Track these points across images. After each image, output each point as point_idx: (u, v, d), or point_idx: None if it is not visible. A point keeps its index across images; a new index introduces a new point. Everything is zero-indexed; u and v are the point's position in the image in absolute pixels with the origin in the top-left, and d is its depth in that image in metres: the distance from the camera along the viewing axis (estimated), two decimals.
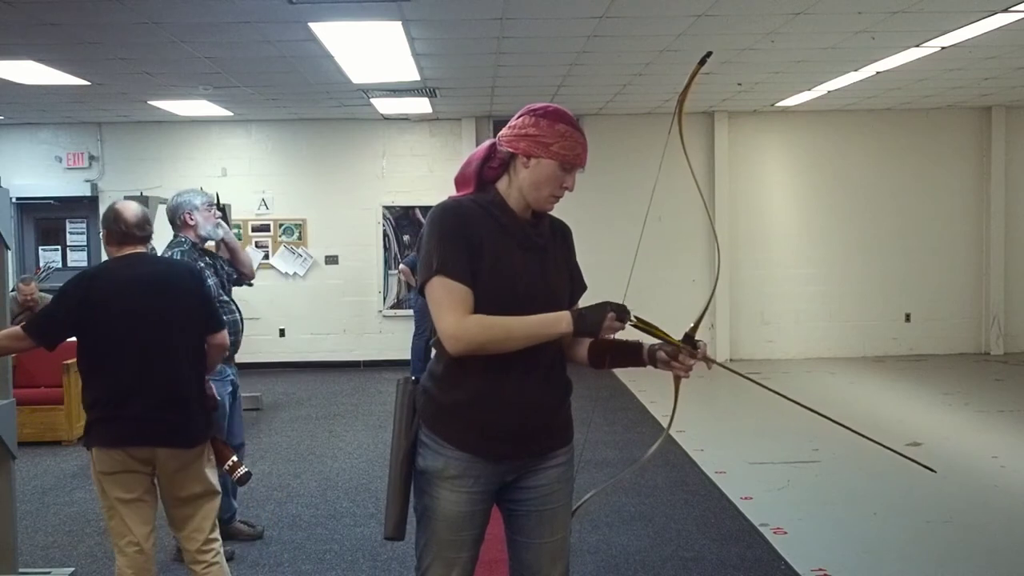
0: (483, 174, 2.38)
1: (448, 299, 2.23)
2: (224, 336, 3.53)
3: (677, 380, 2.41)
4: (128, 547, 3.24)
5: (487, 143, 2.41)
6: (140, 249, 3.36)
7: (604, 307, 2.19)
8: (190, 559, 3.39)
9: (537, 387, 2.36)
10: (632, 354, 2.37)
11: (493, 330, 2.23)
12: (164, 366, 3.25)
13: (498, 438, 2.34)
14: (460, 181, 2.43)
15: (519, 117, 2.37)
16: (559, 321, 2.21)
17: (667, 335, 2.27)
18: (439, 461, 2.36)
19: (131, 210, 3.35)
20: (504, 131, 2.38)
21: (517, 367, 2.31)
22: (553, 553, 2.46)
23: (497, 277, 2.29)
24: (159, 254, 4.57)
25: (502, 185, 2.38)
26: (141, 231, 3.34)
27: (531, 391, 2.35)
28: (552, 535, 2.46)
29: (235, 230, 4.78)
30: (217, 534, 3.43)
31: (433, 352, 2.43)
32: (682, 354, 2.27)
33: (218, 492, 3.43)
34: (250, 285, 5.01)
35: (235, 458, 3.48)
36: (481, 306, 2.27)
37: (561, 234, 2.51)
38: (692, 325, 2.33)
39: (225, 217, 4.83)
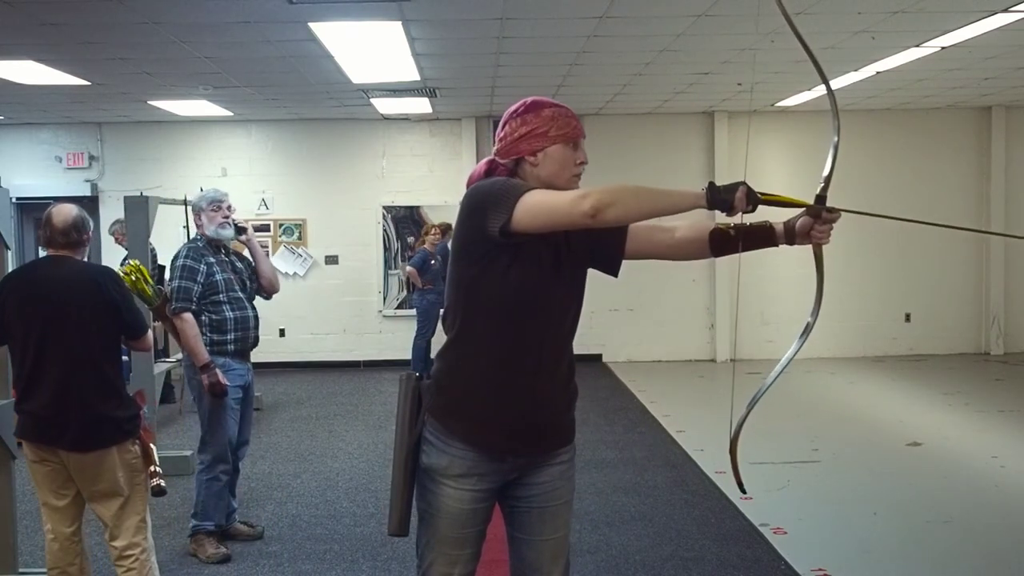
0: None
1: (549, 190, 2.23)
2: (145, 341, 3.56)
3: (818, 249, 2.35)
4: (48, 534, 3.45)
5: (484, 161, 2.41)
6: (65, 253, 3.42)
7: (738, 184, 2.13)
8: (113, 561, 3.48)
9: (547, 386, 2.37)
10: (763, 236, 2.32)
11: (625, 187, 2.14)
12: (60, 367, 3.31)
13: (506, 435, 2.35)
14: None
15: (504, 126, 2.38)
16: (690, 194, 2.15)
17: (797, 200, 2.22)
18: (443, 459, 2.36)
19: (60, 216, 3.41)
20: (497, 146, 2.38)
21: (530, 365, 2.32)
22: (554, 551, 2.47)
23: (515, 268, 2.28)
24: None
25: None
26: (65, 237, 3.41)
27: (542, 390, 2.35)
28: (553, 532, 2.46)
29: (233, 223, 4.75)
30: (140, 539, 3.44)
31: (444, 345, 2.43)
32: (821, 219, 2.23)
33: (124, 495, 3.40)
34: (266, 298, 4.94)
35: (155, 468, 3.47)
36: (500, 294, 2.27)
37: None
38: (822, 185, 2.27)
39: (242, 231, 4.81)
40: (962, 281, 11.17)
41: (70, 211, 3.44)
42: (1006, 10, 6.00)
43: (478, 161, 9.57)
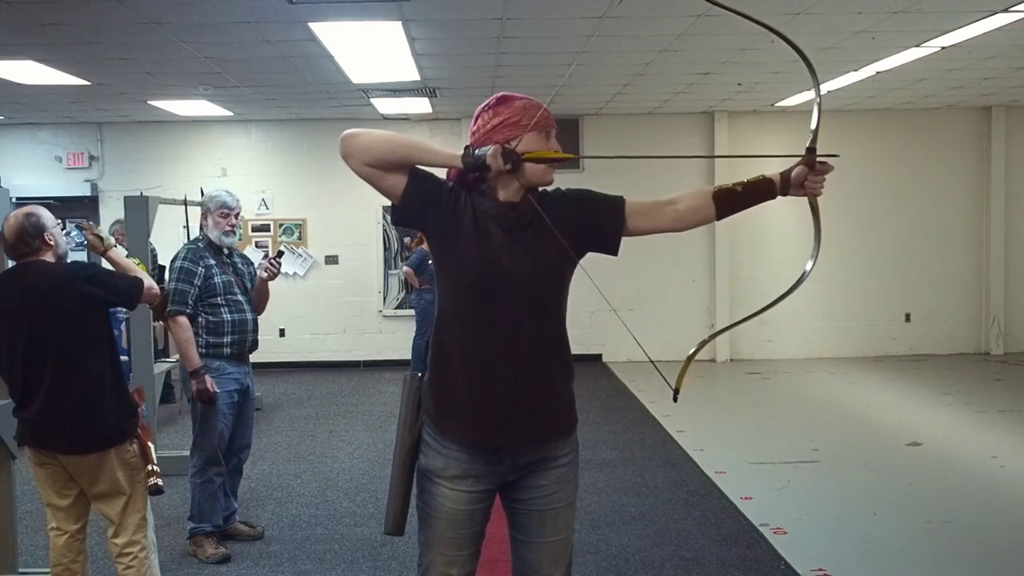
0: (465, 182, 2.37)
1: None
2: (147, 296, 3.49)
3: (814, 200, 2.48)
4: (52, 532, 3.49)
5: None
6: (29, 259, 3.39)
7: (491, 148, 2.28)
8: (113, 558, 3.51)
9: (525, 372, 2.34)
10: (762, 189, 2.43)
11: (379, 134, 2.28)
12: (50, 374, 3.30)
13: (490, 425, 2.34)
14: None
15: (476, 120, 2.39)
16: (446, 153, 2.31)
17: (561, 154, 2.38)
18: (439, 460, 2.37)
19: (7, 229, 3.38)
20: (470, 140, 2.40)
21: (503, 353, 2.32)
22: (555, 553, 2.46)
23: (469, 256, 2.31)
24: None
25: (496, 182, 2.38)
26: (14, 251, 3.39)
27: (525, 374, 2.33)
28: (554, 535, 2.45)
29: (237, 231, 4.77)
30: (139, 537, 3.45)
31: (431, 344, 2.45)
32: (815, 169, 2.38)
33: (126, 494, 3.41)
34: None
35: (153, 467, 3.46)
36: (455, 283, 2.33)
37: (558, 200, 2.44)
38: (811, 137, 2.42)
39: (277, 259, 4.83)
40: (962, 281, 11.17)
41: (15, 220, 3.37)
42: (1006, 10, 6.00)
43: None
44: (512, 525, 2.50)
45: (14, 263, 3.46)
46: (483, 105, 2.41)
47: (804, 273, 2.57)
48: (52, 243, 3.41)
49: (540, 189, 2.42)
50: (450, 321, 2.37)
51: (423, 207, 2.33)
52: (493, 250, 2.31)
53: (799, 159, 2.40)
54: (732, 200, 2.43)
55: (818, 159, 2.39)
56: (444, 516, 2.38)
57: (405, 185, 2.30)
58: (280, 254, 5.03)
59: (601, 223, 2.44)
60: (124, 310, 6.12)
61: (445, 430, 2.36)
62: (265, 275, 4.71)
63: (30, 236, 3.37)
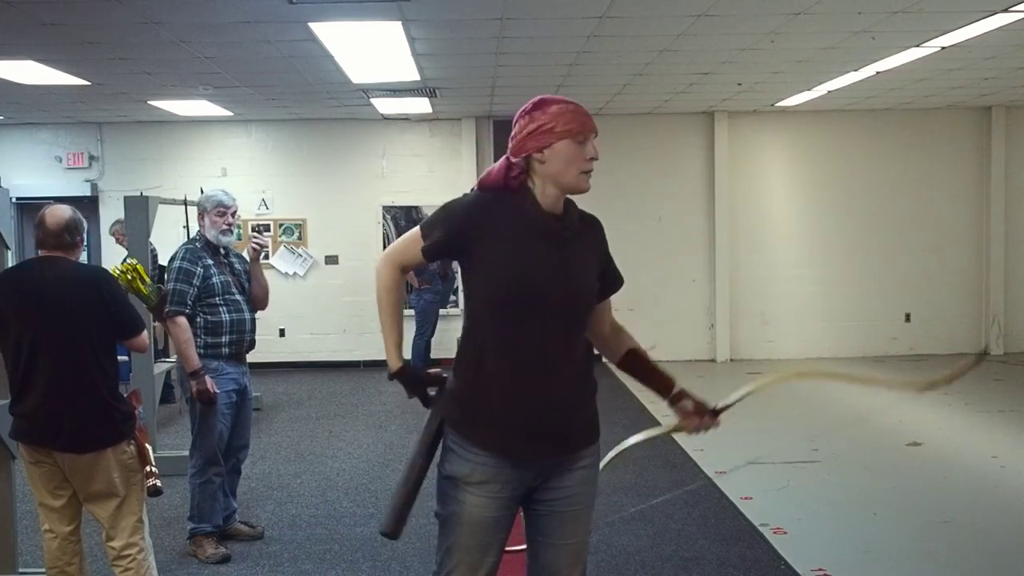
0: (508, 185, 2.37)
1: (404, 243, 2.41)
2: (139, 341, 3.53)
3: (679, 429, 2.61)
4: (45, 534, 3.48)
5: (503, 160, 2.39)
6: (58, 254, 3.40)
7: (423, 389, 2.41)
8: (111, 561, 3.50)
9: (559, 385, 2.35)
10: (660, 383, 2.58)
11: (378, 292, 2.41)
12: (52, 369, 3.30)
13: (522, 437, 2.33)
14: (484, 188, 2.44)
15: (515, 125, 2.37)
16: (391, 359, 2.41)
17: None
18: (466, 467, 2.35)
19: (53, 217, 3.40)
20: (510, 146, 2.38)
21: (538, 365, 2.32)
22: (573, 555, 2.47)
23: (508, 266, 2.29)
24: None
25: (534, 189, 2.37)
26: (56, 239, 3.39)
27: (553, 389, 2.34)
28: (574, 536, 2.47)
29: (235, 230, 4.76)
30: (137, 539, 3.45)
31: (456, 353, 2.43)
32: (704, 419, 2.52)
33: (120, 495, 3.40)
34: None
35: (151, 468, 3.47)
36: (491, 293, 2.30)
37: (591, 226, 2.48)
38: (727, 405, 2.56)
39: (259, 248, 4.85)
40: (962, 281, 11.17)
41: (63, 213, 3.42)
42: (1006, 10, 6.00)
43: (478, 161, 9.53)
44: (531, 527, 2.48)
45: (40, 254, 3.45)
46: (521, 110, 2.37)
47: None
48: (81, 245, 3.47)
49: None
50: (483, 330, 2.35)
51: (448, 249, 2.41)
52: (532, 262, 2.30)
53: (712, 409, 2.55)
54: (631, 371, 2.61)
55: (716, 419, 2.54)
56: (468, 523, 2.35)
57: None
58: (261, 232, 4.99)
59: (607, 269, 2.51)
60: None
61: (472, 437, 2.34)
62: (251, 255, 4.70)
63: (71, 230, 3.42)
